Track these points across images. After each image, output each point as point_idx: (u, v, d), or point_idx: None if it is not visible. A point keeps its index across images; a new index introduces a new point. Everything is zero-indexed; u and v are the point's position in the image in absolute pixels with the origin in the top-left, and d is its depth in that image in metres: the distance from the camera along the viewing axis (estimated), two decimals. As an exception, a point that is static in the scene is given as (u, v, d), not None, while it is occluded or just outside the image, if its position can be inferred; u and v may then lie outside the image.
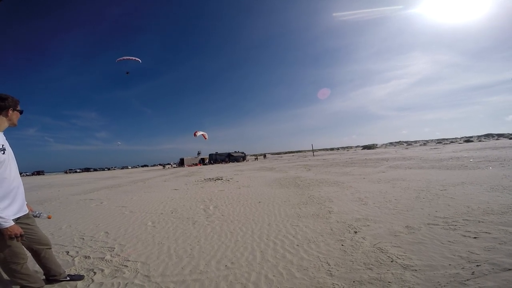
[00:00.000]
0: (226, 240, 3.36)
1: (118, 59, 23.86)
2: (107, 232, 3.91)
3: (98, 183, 16.41)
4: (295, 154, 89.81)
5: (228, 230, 3.82)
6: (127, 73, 27.05)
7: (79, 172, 66.22)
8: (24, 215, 1.88)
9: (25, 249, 1.89)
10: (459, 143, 48.32)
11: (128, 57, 23.59)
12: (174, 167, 52.10)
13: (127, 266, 2.63)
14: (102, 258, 2.85)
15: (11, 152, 1.84)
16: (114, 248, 3.17)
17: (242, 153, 61.92)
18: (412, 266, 2.28)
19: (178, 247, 3.17)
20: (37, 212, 2.06)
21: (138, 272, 2.51)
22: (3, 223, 1.61)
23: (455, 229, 3.12)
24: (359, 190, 6.38)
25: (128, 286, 2.22)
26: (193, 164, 52.43)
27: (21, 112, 1.91)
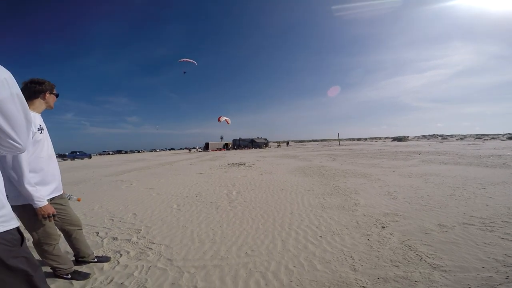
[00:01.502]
0: (248, 227, 3.37)
1: (180, 60, 28.38)
2: (135, 214, 4.11)
3: (129, 165, 17.39)
4: (320, 142, 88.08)
5: (249, 216, 3.83)
6: (184, 72, 31.35)
7: (112, 154, 70.74)
8: (59, 195, 1.97)
9: (57, 230, 1.99)
10: (502, 139, 43.83)
11: (187, 59, 27.54)
12: (199, 151, 53.76)
13: (151, 249, 2.73)
14: (129, 240, 2.99)
15: (47, 133, 1.91)
16: (141, 230, 3.31)
17: (265, 139, 61.99)
18: (442, 266, 2.15)
19: (201, 231, 3.24)
20: (68, 194, 2.16)
21: (162, 255, 2.59)
22: (37, 202, 1.67)
23: (492, 230, 2.86)
24: (388, 183, 6.08)
25: (151, 269, 2.29)
26: (217, 149, 53.59)
27: (57, 96, 1.97)
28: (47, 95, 1.87)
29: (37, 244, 1.87)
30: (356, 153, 18.81)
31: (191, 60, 28.57)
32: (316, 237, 2.96)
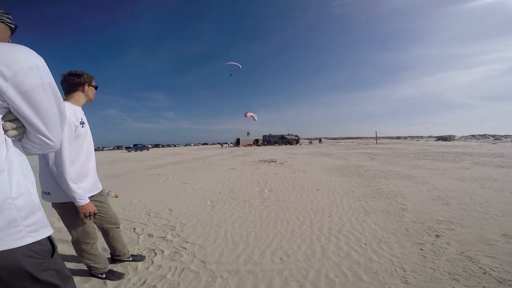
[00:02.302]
0: (282, 229, 3.21)
1: (227, 63, 30.93)
2: (170, 209, 4.17)
3: (166, 159, 18.27)
4: (354, 140, 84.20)
5: (284, 217, 3.66)
6: (231, 75, 35.09)
7: (150, 147, 75.22)
8: (98, 192, 1.96)
9: (96, 228, 2.00)
10: None
11: (233, 63, 30.00)
12: (230, 146, 54.85)
13: (185, 249, 2.69)
14: (164, 238, 3.00)
15: (89, 128, 1.90)
16: (176, 227, 3.33)
17: (296, 136, 61.02)
18: (510, 280, 1.91)
19: (234, 232, 3.16)
20: (106, 191, 2.16)
21: (195, 256, 2.53)
22: (79, 200, 1.64)
23: None
24: (438, 187, 5.51)
25: (184, 272, 2.23)
26: (248, 144, 54.24)
27: (96, 88, 1.95)
28: (86, 87, 1.84)
29: (76, 243, 1.87)
30: (396, 152, 17.52)
31: (237, 64, 30.45)
32: (360, 244, 2.71)
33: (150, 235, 3.09)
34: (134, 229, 3.32)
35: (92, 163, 1.89)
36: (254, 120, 38.28)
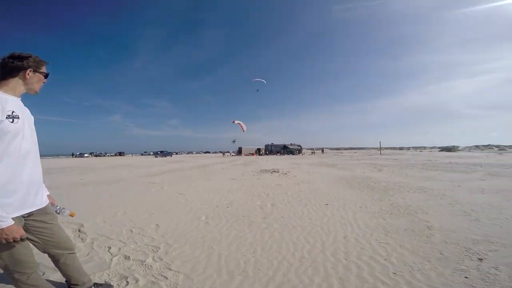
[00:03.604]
0: (288, 255, 2.65)
1: (253, 80, 34.08)
2: (157, 225, 3.60)
3: (166, 166, 17.76)
4: (357, 151, 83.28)
5: (290, 239, 3.09)
6: (257, 90, 39.27)
7: (152, 155, 75.14)
8: (40, 209, 1.46)
9: (33, 256, 1.45)
10: None
11: (258, 79, 33.46)
12: (232, 155, 54.34)
13: (166, 278, 2.13)
14: (143, 262, 2.44)
15: (31, 125, 1.43)
16: (159, 248, 2.76)
17: (298, 146, 60.52)
18: None
19: (230, 257, 2.59)
20: (58, 207, 1.64)
21: (178, 289, 1.98)
22: None
23: None
24: (459, 200, 5.04)
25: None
26: (250, 153, 53.74)
27: (45, 76, 1.49)
28: (29, 73, 1.38)
29: (6, 271, 1.36)
30: (403, 163, 16.87)
31: (262, 80, 33.94)
32: (388, 273, 2.20)
33: (127, 257, 2.53)
34: (109, 248, 2.76)
35: (29, 172, 1.38)
36: (243, 130, 37.90)
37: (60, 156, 68.70)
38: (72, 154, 65.28)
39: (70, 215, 1.67)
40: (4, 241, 1.21)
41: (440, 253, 2.62)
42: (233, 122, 37.48)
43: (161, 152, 50.77)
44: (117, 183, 8.28)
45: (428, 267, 2.33)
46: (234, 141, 44.46)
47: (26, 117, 1.39)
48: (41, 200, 1.46)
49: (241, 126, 37.05)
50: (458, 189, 6.42)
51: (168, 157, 43.77)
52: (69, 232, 3.16)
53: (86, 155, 65.05)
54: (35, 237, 1.43)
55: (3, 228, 1.18)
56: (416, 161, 18.79)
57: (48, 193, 1.63)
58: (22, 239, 1.28)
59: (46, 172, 13.36)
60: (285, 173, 10.90)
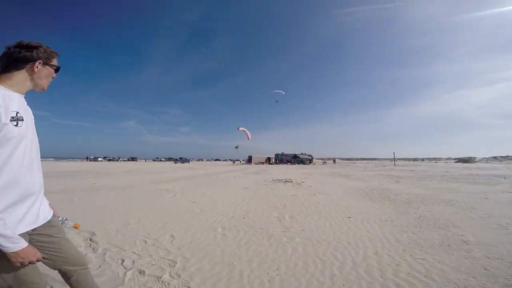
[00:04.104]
0: (317, 273, 2.41)
1: (272, 92, 34.98)
2: (172, 236, 3.40)
3: (178, 173, 17.74)
4: (370, 161, 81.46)
5: (315, 255, 2.84)
6: (276, 101, 39.86)
7: (164, 161, 76.07)
8: (46, 222, 1.26)
9: (41, 276, 1.24)
10: None
11: (277, 91, 34.55)
12: (242, 163, 54.20)
13: (186, 299, 1.94)
14: (159, 278, 2.24)
15: (33, 128, 1.22)
16: (176, 262, 2.55)
17: (309, 155, 59.78)
18: None
19: (252, 275, 2.36)
20: (61, 218, 1.46)
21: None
22: (8, 245, 0.98)
23: None
24: (490, 213, 4.82)
25: None
26: (260, 162, 53.50)
27: (56, 70, 1.27)
28: (38, 66, 1.17)
29: None
30: (421, 175, 16.20)
31: (281, 91, 34.89)
32: None
33: (142, 272, 2.34)
34: (123, 260, 2.57)
35: (36, 181, 1.19)
36: (248, 138, 37.74)
37: (75, 159, 70.40)
38: (87, 158, 66.86)
39: (74, 227, 1.48)
40: (19, 265, 1.04)
41: (485, 269, 2.43)
42: (238, 129, 37.51)
43: (180, 158, 57.56)
44: (130, 189, 8.20)
45: (474, 283, 2.15)
46: (237, 147, 44.12)
47: (30, 118, 1.19)
48: (44, 212, 1.27)
49: (246, 133, 36.98)
50: (486, 201, 6.13)
51: (185, 164, 46.69)
52: (80, 240, 3.01)
53: (100, 159, 66.49)
54: (43, 253, 1.25)
55: (16, 252, 1.00)
56: (434, 173, 18.06)
57: (48, 202, 1.41)
58: (37, 261, 1.11)
59: (59, 175, 13.55)
60: (299, 183, 10.59)
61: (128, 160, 71.53)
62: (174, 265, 2.49)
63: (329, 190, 8.30)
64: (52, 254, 1.28)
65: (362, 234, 3.59)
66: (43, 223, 1.22)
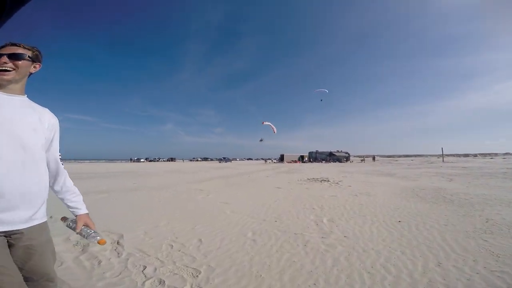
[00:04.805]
0: (366, 291, 1.97)
1: (315, 91, 36.02)
2: (200, 240, 3.14)
3: (212, 173, 18.03)
4: (414, 158, 74.97)
5: (362, 267, 2.38)
6: (321, 100, 39.65)
7: (200, 160, 79.04)
8: (37, 224, 1.08)
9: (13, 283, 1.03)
10: None
11: (320, 90, 35.62)
12: (274, 162, 53.73)
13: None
14: (179, 291, 1.99)
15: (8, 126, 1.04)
16: (200, 272, 2.28)
17: (346, 153, 57.06)
18: None
19: (285, 292, 2.01)
20: (89, 231, 1.23)
21: None
22: None
23: None
24: None
25: None
26: (293, 161, 52.52)
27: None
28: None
29: None
30: (477, 172, 14.21)
31: (324, 90, 35.78)
32: None
33: (161, 282, 2.10)
34: (145, 267, 2.37)
35: (14, 181, 0.99)
36: (274, 131, 36.96)
37: (121, 161, 76.58)
38: (130, 159, 72.33)
39: (99, 243, 1.24)
40: None
41: None
42: (263, 123, 37.09)
43: (224, 158, 63.57)
44: (166, 189, 8.35)
45: None
46: (261, 140, 43.31)
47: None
48: (21, 217, 1.04)
49: (272, 127, 36.43)
50: None
51: (222, 163, 49.21)
52: (107, 244, 2.94)
53: (142, 160, 71.53)
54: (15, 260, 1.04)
55: None
56: (493, 170, 15.70)
57: (86, 211, 1.28)
58: None
59: (105, 176, 14.58)
60: (337, 183, 9.89)
61: (168, 160, 75.72)
62: (197, 275, 2.22)
63: (372, 190, 7.53)
64: (24, 264, 1.05)
65: (418, 242, 3.01)
66: (29, 225, 1.04)
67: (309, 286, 2.09)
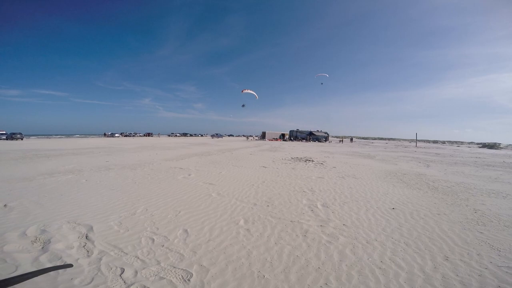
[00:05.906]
0: (379, 295, 1.74)
1: (316, 75, 36.11)
2: (186, 231, 2.77)
3: (192, 149, 17.37)
4: (388, 141, 78.44)
5: (371, 261, 2.18)
6: (322, 83, 40.16)
7: (178, 136, 77.02)
8: None
9: None
10: None
11: (321, 74, 36.51)
12: (256, 139, 53.70)
13: None
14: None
15: None
16: (191, 275, 1.93)
17: (325, 133, 58.13)
18: None
19: (295, 297, 1.72)
20: None
21: None
22: None
23: None
24: None
25: None
26: (274, 138, 52.80)
27: None
28: None
29: None
30: (449, 160, 14.94)
31: (325, 74, 36.87)
32: None
33: (146, 288, 1.73)
34: (122, 270, 1.97)
35: None
36: (256, 97, 36.90)
37: (93, 136, 72.50)
38: (104, 134, 68.59)
39: None
40: None
41: None
42: (242, 91, 36.37)
43: (216, 134, 64.01)
44: (142, 168, 7.74)
45: None
46: (243, 105, 42.60)
47: None
48: None
49: (253, 93, 36.04)
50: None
51: (216, 139, 52.91)
52: (74, 238, 2.44)
53: (116, 135, 68.01)
54: None
55: None
56: (464, 158, 16.63)
57: None
58: None
59: (74, 153, 13.40)
60: (321, 163, 9.83)
61: (144, 135, 72.85)
62: (189, 279, 1.87)
63: (357, 173, 7.51)
64: None
65: (419, 232, 2.90)
66: None
67: (321, 287, 1.82)
